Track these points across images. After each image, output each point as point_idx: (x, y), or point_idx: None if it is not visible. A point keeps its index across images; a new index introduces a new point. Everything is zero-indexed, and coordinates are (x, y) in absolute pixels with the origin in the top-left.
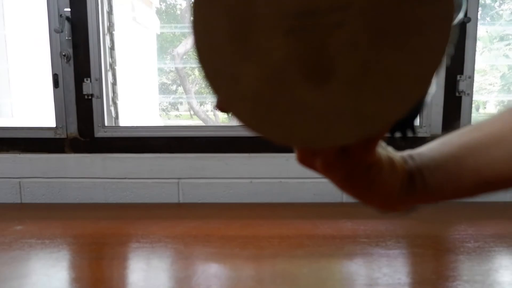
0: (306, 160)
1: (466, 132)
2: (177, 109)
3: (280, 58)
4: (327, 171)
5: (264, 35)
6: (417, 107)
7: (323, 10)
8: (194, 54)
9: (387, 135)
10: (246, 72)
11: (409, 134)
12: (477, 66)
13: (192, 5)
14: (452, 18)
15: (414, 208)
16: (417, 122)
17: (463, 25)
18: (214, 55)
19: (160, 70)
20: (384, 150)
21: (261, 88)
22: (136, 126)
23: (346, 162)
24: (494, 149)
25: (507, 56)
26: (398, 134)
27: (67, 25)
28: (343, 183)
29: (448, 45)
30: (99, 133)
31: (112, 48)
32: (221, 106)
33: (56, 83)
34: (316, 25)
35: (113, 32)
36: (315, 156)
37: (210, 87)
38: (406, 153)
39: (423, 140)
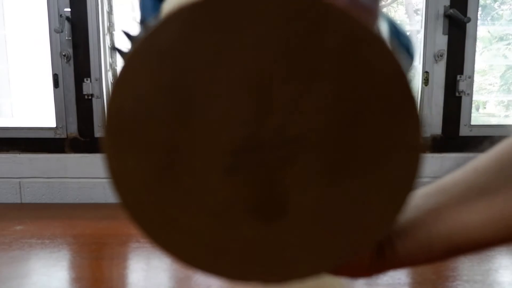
0: None
1: (431, 194)
2: None
3: (221, 199)
4: None
5: (199, 176)
6: None
7: (267, 145)
8: (116, 199)
9: None
10: (182, 216)
11: None
12: (477, 66)
13: (105, 147)
14: (420, 149)
15: (384, 272)
16: None
17: (463, 25)
18: (140, 201)
19: None
20: None
21: (202, 233)
22: None
23: None
24: (463, 214)
25: (505, 57)
26: None
27: (67, 25)
28: None
29: (416, 179)
30: (99, 133)
31: (112, 48)
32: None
33: (56, 83)
34: (261, 161)
35: (113, 32)
36: None
37: (143, 234)
38: None
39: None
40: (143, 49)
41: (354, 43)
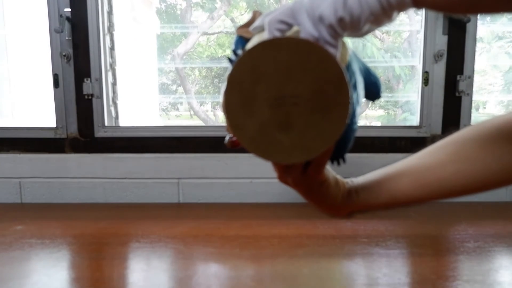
0: (282, 178)
1: (385, 168)
2: (177, 109)
3: (266, 118)
4: (296, 186)
5: (259, 107)
6: (341, 148)
7: (287, 96)
8: (225, 114)
9: (329, 163)
10: (248, 124)
11: (342, 162)
12: (477, 66)
13: (224, 92)
14: (348, 105)
15: (352, 214)
16: (346, 156)
17: (463, 25)
18: (234, 114)
19: (160, 70)
20: (332, 174)
21: (256, 132)
22: (136, 126)
23: (306, 179)
24: (398, 179)
25: (509, 54)
26: (335, 162)
27: (67, 25)
28: (306, 194)
29: (348, 116)
30: (99, 133)
31: (112, 48)
32: (235, 143)
33: (56, 83)
34: (284, 102)
35: (113, 32)
36: (287, 176)
37: (232, 130)
38: (348, 179)
39: (423, 140)
40: (245, 56)
41: (322, 59)
